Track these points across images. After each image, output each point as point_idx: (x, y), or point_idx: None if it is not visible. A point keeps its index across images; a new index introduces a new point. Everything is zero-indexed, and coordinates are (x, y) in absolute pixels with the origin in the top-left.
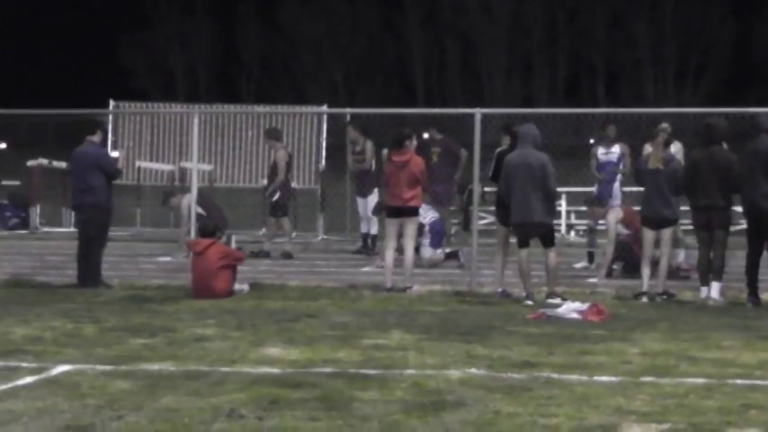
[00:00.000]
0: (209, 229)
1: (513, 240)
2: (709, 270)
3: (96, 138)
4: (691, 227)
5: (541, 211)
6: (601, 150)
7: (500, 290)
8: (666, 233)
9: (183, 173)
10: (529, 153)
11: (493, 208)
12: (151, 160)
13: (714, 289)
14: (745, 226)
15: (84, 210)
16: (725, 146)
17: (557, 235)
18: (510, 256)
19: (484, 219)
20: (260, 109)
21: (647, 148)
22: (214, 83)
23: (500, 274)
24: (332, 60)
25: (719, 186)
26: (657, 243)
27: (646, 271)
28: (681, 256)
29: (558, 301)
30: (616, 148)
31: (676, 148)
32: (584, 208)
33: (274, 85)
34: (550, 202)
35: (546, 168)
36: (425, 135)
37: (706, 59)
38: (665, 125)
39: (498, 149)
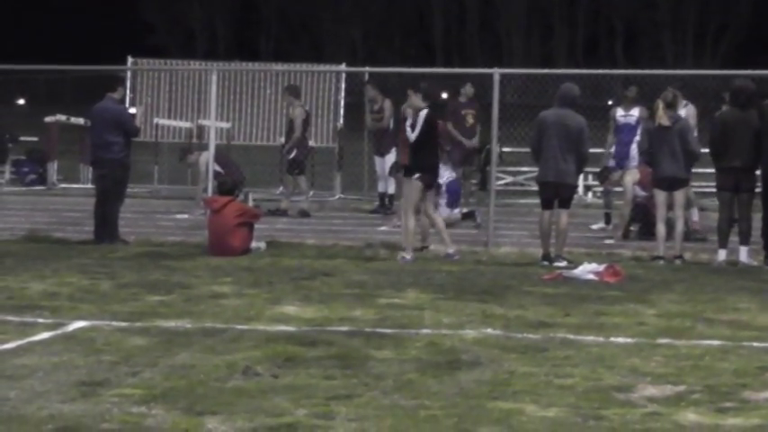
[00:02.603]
0: (226, 186)
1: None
2: (729, 232)
3: (117, 95)
4: (703, 189)
5: (573, 174)
6: (620, 112)
7: (408, 256)
8: (680, 195)
9: (201, 130)
10: (567, 114)
11: (511, 168)
12: (169, 117)
13: (743, 252)
14: (760, 189)
15: (102, 165)
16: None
17: (574, 196)
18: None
19: (502, 179)
20: (278, 67)
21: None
22: (232, 39)
23: (412, 240)
24: (351, 18)
25: (752, 148)
26: (672, 205)
27: (661, 234)
28: (695, 214)
29: (564, 263)
30: (635, 111)
31: (688, 112)
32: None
33: (293, 43)
34: (581, 166)
35: (584, 132)
36: (444, 95)
37: (725, 21)
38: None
39: (427, 111)
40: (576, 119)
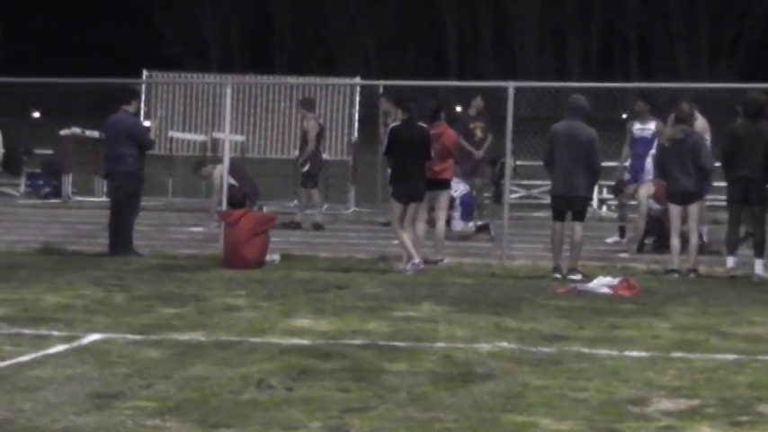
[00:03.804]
0: (236, 199)
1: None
2: (737, 242)
3: (131, 107)
4: (719, 203)
5: (585, 186)
6: (637, 126)
7: (417, 261)
8: (693, 209)
9: (216, 143)
10: (578, 126)
11: (525, 182)
12: (183, 130)
13: (758, 265)
14: None
15: (116, 178)
16: None
17: (588, 209)
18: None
19: (515, 192)
20: (293, 80)
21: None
22: (247, 51)
23: (410, 248)
24: (364, 29)
25: (763, 160)
26: (686, 219)
27: (675, 247)
28: (704, 230)
29: (578, 277)
30: (652, 124)
31: (702, 125)
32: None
33: (307, 54)
34: (594, 178)
35: (594, 143)
36: (458, 108)
37: (739, 33)
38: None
39: (392, 125)
40: (587, 130)
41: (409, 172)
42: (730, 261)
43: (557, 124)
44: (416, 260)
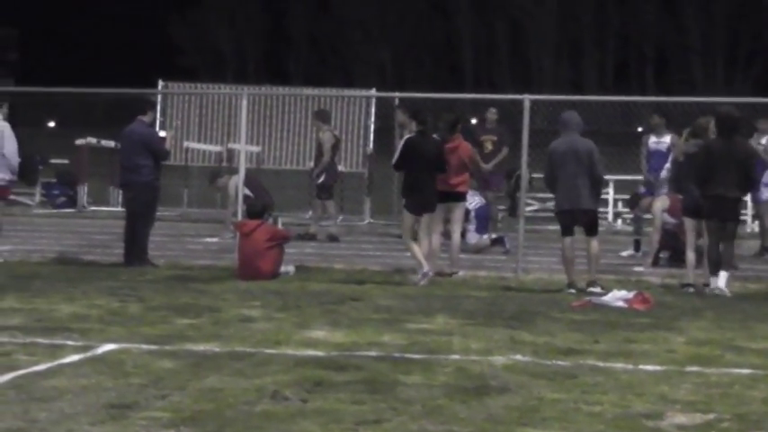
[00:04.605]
0: (256, 209)
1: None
2: (720, 261)
3: (147, 118)
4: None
5: (589, 198)
6: (652, 139)
7: (426, 269)
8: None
9: (231, 154)
10: (576, 140)
11: (541, 195)
12: (199, 141)
13: (722, 279)
14: None
15: (132, 188)
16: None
17: (603, 222)
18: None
19: (531, 205)
20: (308, 91)
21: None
22: (262, 62)
23: (420, 256)
24: (380, 42)
25: (738, 178)
26: (701, 233)
27: (691, 261)
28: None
29: (598, 290)
30: (667, 138)
31: None
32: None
33: (323, 66)
34: (597, 189)
35: (593, 155)
36: (474, 121)
37: (756, 47)
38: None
39: (407, 136)
40: (585, 143)
41: (422, 183)
42: (714, 282)
43: (554, 142)
44: (425, 269)
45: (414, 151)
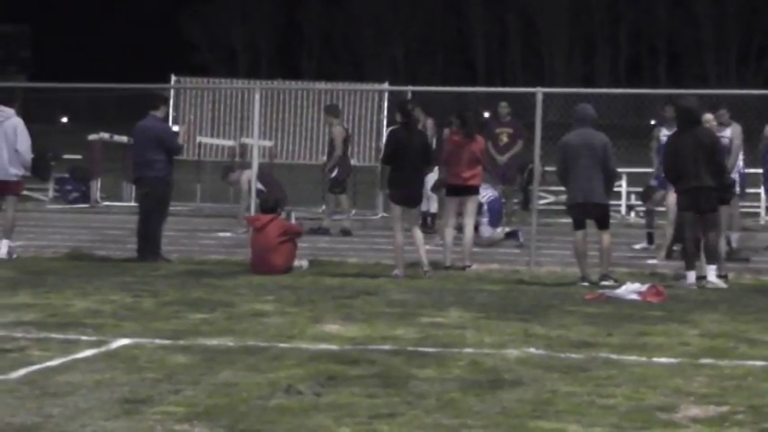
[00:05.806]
0: (269, 204)
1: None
2: (697, 254)
3: (160, 113)
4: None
5: (602, 192)
6: (664, 132)
7: (397, 272)
8: (723, 212)
9: (244, 149)
10: (590, 133)
11: (554, 188)
12: (212, 136)
13: (711, 272)
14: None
15: (145, 183)
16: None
17: (617, 215)
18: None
19: (544, 198)
20: (321, 86)
21: None
22: (275, 58)
23: (399, 256)
24: (393, 37)
25: (707, 167)
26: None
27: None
28: (734, 236)
29: (611, 282)
30: None
31: (734, 131)
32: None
33: (335, 61)
34: (610, 183)
35: (608, 148)
36: (486, 114)
37: None
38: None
39: (391, 128)
40: (599, 136)
41: (406, 176)
42: (691, 276)
43: (567, 135)
44: (397, 271)
45: (399, 144)
